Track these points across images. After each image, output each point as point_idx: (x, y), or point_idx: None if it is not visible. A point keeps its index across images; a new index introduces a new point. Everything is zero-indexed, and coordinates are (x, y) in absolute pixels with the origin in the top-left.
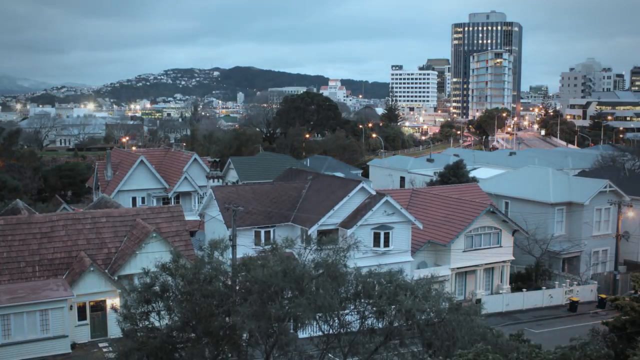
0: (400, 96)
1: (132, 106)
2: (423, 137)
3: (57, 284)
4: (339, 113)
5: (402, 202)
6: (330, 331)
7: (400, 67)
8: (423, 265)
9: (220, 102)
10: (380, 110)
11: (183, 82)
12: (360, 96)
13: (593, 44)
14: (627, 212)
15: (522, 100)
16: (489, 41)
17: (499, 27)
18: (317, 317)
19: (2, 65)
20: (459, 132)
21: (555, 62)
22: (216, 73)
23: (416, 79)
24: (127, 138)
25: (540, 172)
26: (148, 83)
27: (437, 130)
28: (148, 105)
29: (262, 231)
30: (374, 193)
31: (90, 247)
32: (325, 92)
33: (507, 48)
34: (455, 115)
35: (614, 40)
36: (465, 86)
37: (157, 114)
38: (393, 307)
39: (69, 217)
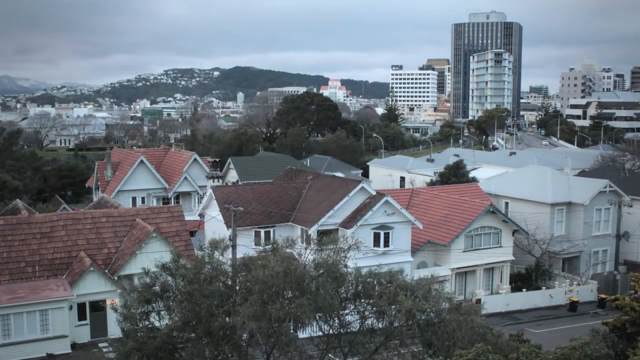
0: (400, 96)
1: (132, 106)
2: (423, 137)
3: (57, 284)
4: (339, 113)
5: (402, 202)
6: (331, 331)
7: (400, 67)
8: (423, 265)
9: (220, 102)
10: (380, 110)
11: (183, 82)
12: (360, 96)
13: (593, 44)
14: (627, 212)
15: (522, 100)
16: (489, 41)
17: (499, 27)
18: (318, 317)
19: (2, 65)
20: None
21: (555, 61)
22: (216, 73)
23: (416, 79)
24: (128, 140)
25: (540, 172)
26: (148, 83)
27: (437, 131)
28: (148, 105)
29: (262, 231)
30: (374, 193)
31: (90, 247)
32: (325, 92)
33: (507, 48)
34: (454, 116)
35: (614, 40)
36: (465, 86)
37: (157, 114)
38: (393, 307)
39: (69, 217)
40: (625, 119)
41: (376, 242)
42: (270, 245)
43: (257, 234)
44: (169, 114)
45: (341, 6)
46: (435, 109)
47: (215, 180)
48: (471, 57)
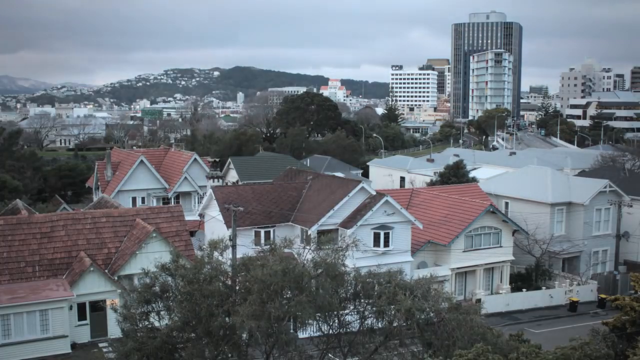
0: (400, 96)
1: (132, 106)
2: (423, 137)
3: (57, 284)
4: (339, 113)
5: (402, 202)
6: (330, 331)
7: (400, 67)
8: (423, 265)
9: (220, 102)
10: (380, 110)
11: (183, 82)
12: (360, 96)
13: (593, 44)
14: (627, 212)
15: (522, 100)
16: (489, 41)
17: (499, 27)
18: (317, 317)
19: (2, 65)
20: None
21: (555, 62)
22: (216, 73)
23: (416, 79)
24: (128, 140)
25: (540, 172)
26: (148, 83)
27: (437, 131)
28: (148, 105)
29: (262, 231)
30: (374, 193)
31: (90, 247)
32: (325, 92)
33: (507, 48)
34: (454, 116)
35: (613, 40)
36: (465, 86)
37: (157, 114)
38: (392, 307)
39: (69, 217)
40: (625, 119)
41: (376, 242)
42: (269, 245)
43: (257, 234)
44: (169, 114)
45: (337, 5)
46: (435, 109)
47: (215, 180)
48: (471, 57)
